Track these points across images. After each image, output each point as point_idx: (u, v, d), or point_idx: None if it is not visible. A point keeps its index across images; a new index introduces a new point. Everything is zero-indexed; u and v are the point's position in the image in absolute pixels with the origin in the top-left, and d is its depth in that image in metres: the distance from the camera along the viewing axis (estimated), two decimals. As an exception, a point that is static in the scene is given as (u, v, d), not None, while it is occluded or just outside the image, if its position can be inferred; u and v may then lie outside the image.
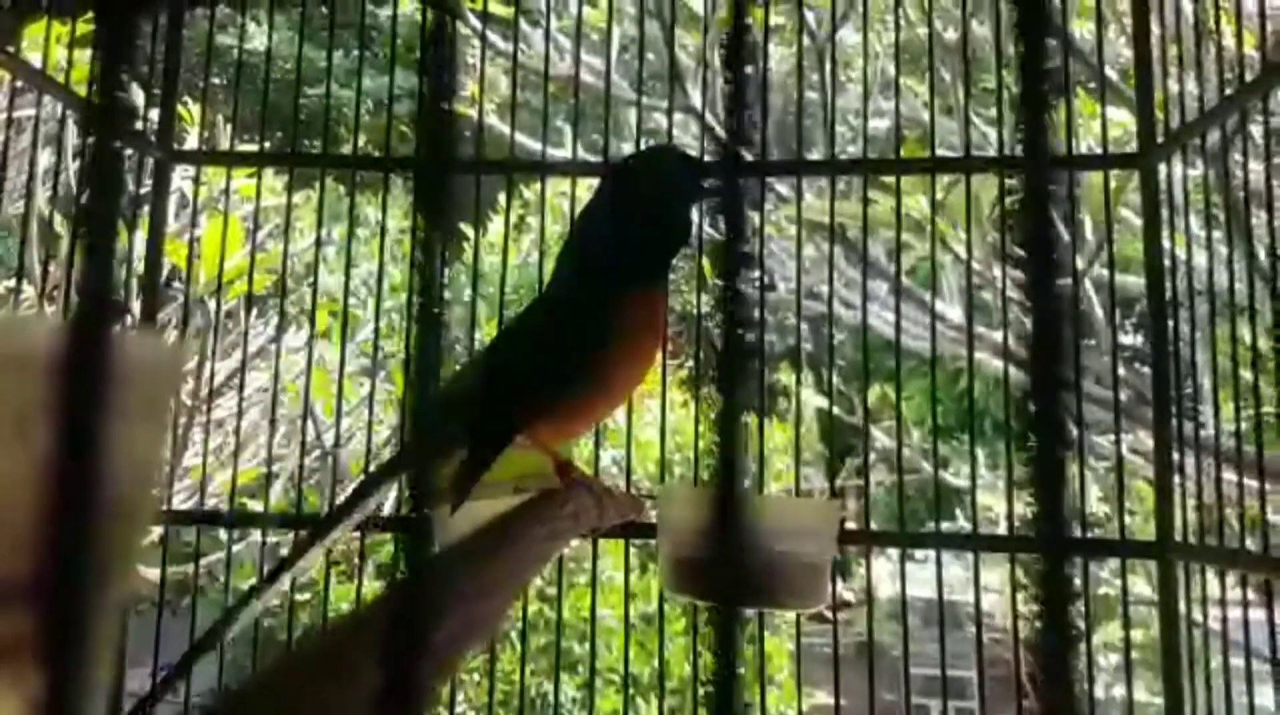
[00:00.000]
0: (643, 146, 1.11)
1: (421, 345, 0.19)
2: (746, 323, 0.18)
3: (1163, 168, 0.95)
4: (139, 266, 1.09)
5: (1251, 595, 0.94)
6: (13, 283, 1.39)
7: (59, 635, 0.18)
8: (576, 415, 0.80)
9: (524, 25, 1.66)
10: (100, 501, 0.18)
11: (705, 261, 1.07)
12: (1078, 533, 0.98)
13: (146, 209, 1.07)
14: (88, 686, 0.21)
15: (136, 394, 0.24)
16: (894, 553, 1.54)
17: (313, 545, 0.75)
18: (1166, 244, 0.95)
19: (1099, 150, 1.03)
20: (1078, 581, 0.18)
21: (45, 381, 0.19)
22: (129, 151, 0.97)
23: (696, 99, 1.97)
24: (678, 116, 1.47)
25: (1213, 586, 0.88)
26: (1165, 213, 0.95)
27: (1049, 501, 0.17)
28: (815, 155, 1.76)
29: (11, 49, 0.95)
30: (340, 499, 0.82)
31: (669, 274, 0.84)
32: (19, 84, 1.01)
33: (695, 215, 0.86)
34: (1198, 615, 0.90)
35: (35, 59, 1.06)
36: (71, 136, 1.17)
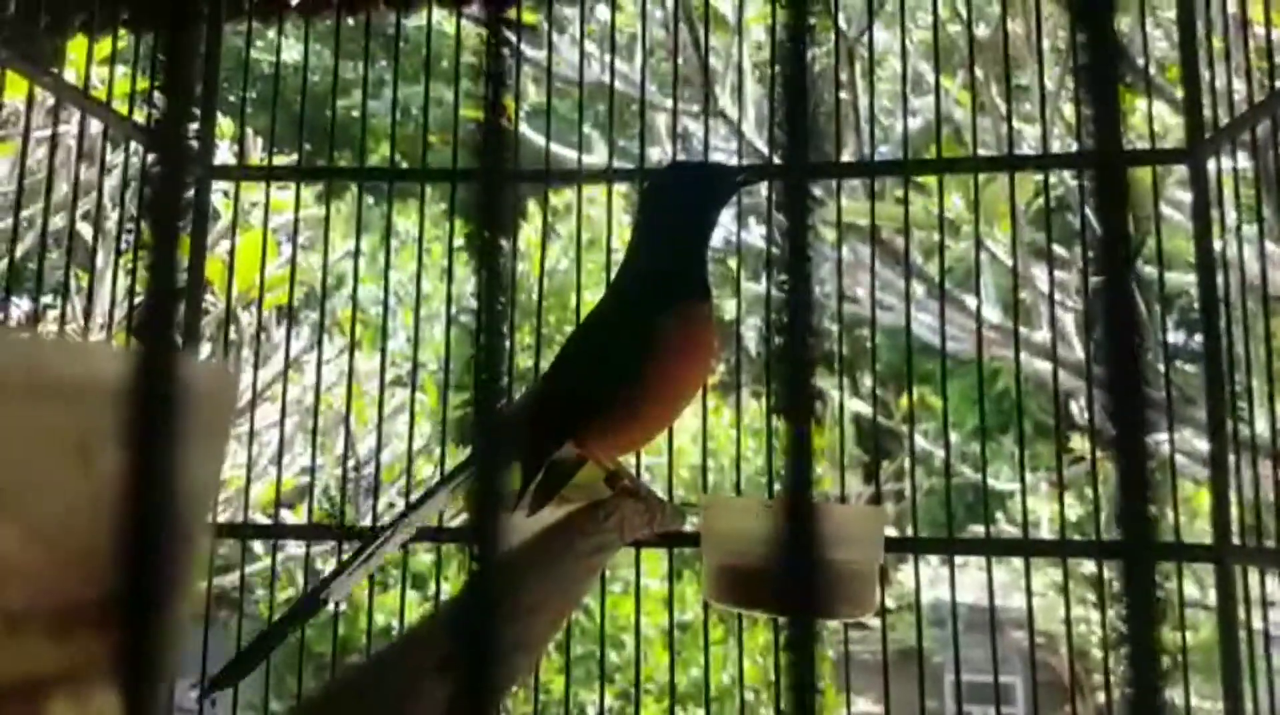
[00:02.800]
0: (675, 152, 1.10)
1: (484, 352, 0.18)
2: (812, 334, 0.18)
3: (1211, 162, 0.93)
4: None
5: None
6: (50, 299, 1.41)
7: (134, 657, 0.18)
8: (625, 428, 0.81)
9: (553, 32, 1.66)
10: (170, 525, 0.18)
11: (740, 265, 1.07)
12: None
13: (184, 225, 1.07)
14: (161, 707, 0.21)
15: (196, 419, 0.23)
16: (934, 558, 1.52)
17: (385, 543, 0.77)
18: (1217, 242, 0.93)
19: (1140, 145, 1.01)
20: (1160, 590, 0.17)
21: (108, 407, 0.18)
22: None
23: (726, 102, 1.96)
24: (710, 120, 1.46)
25: (1269, 590, 0.86)
26: (1215, 212, 0.93)
27: (1134, 507, 0.17)
28: (847, 156, 1.74)
29: (55, 69, 0.95)
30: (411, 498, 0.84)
31: (708, 282, 0.85)
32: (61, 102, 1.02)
33: (724, 216, 0.87)
34: (1256, 618, 0.88)
35: (73, 75, 1.08)
36: (109, 153, 1.18)
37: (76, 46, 1.08)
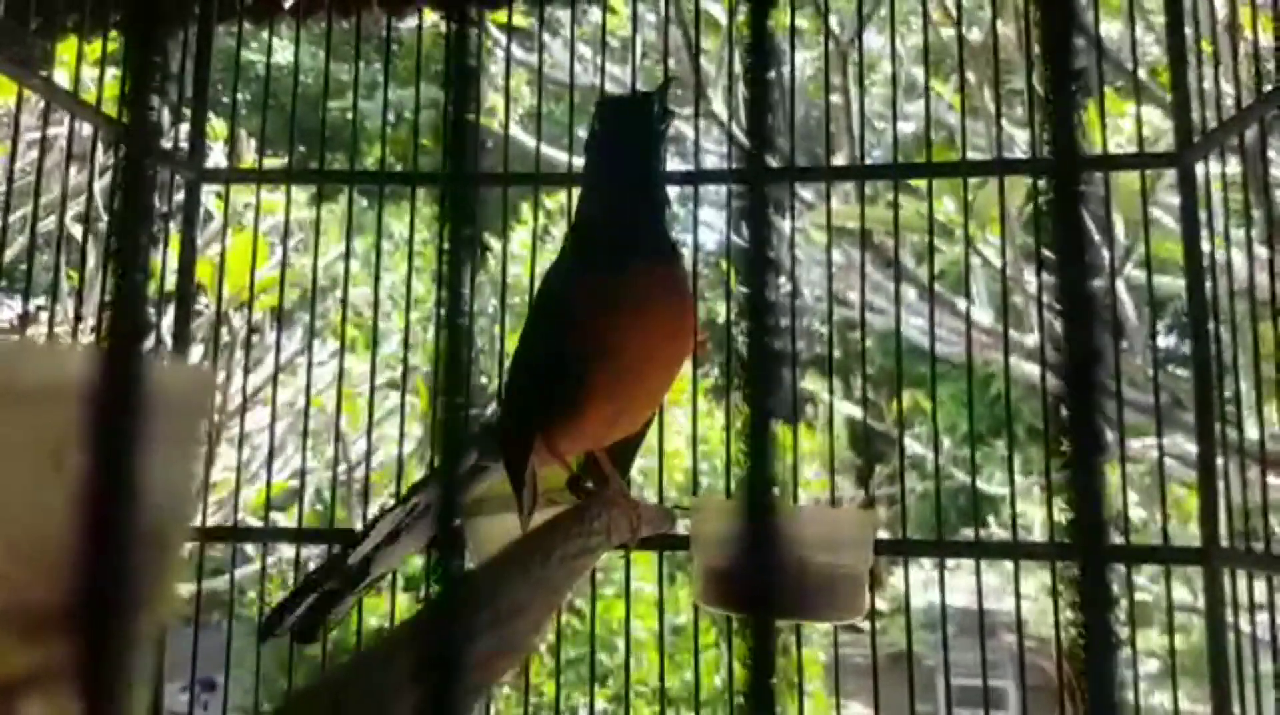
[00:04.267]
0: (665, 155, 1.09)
1: (448, 357, 0.18)
2: (773, 330, 0.18)
3: (1200, 166, 0.94)
4: (169, 284, 1.09)
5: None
6: (44, 301, 1.40)
7: (98, 663, 0.18)
8: (580, 423, 0.73)
9: (545, 35, 1.66)
10: (137, 528, 0.18)
11: (731, 268, 1.07)
12: (1118, 539, 0.96)
13: (175, 227, 1.07)
14: (129, 711, 0.21)
15: (168, 421, 0.23)
16: (927, 561, 1.53)
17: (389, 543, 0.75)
18: (1205, 246, 0.93)
19: (1131, 149, 1.01)
20: (1116, 589, 0.17)
21: (79, 410, 0.18)
22: (160, 173, 0.97)
23: (718, 104, 1.96)
24: (702, 123, 1.46)
25: (1258, 592, 0.86)
26: (1203, 213, 0.93)
27: (1087, 508, 0.17)
28: (839, 160, 1.75)
29: (45, 73, 0.95)
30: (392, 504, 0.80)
31: (668, 237, 0.75)
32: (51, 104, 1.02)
33: (659, 161, 0.76)
34: (1243, 621, 0.88)
35: (64, 76, 1.07)
36: (99, 155, 1.18)
37: (67, 48, 1.08)
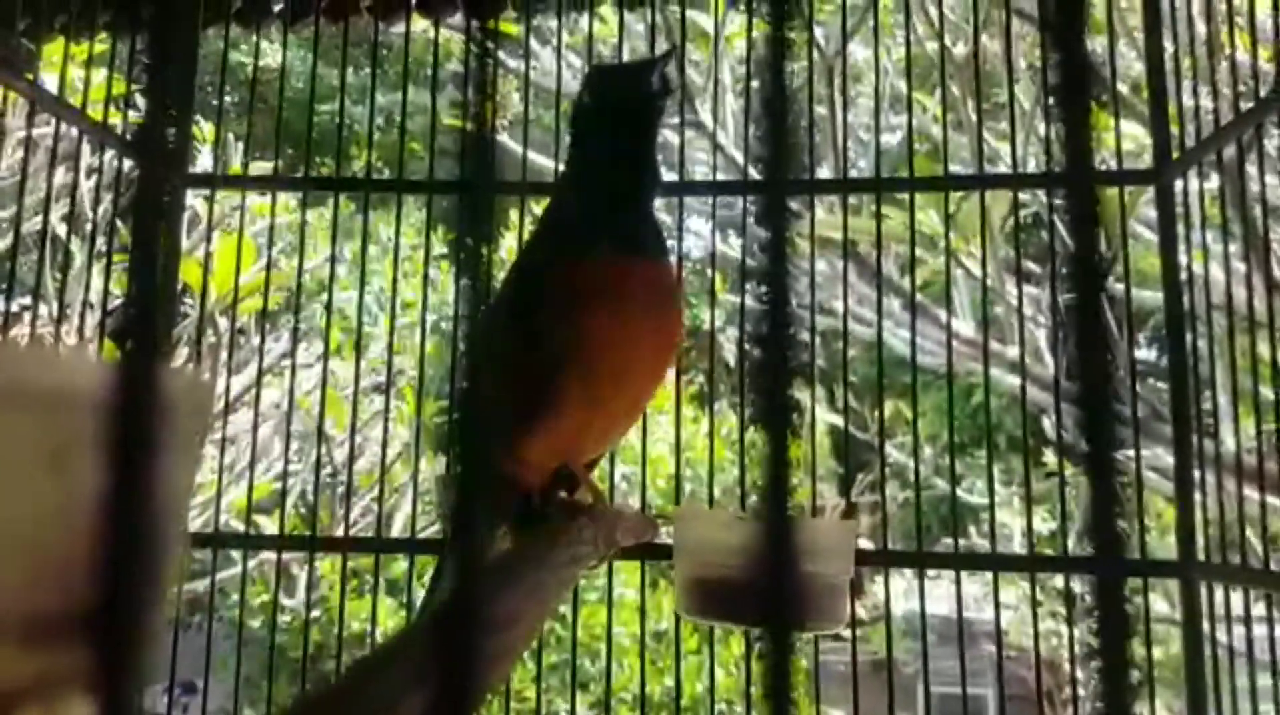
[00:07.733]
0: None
1: (466, 366, 0.18)
2: (790, 346, 0.18)
3: (1179, 183, 0.95)
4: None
5: (1277, 614, 0.93)
6: (28, 301, 1.40)
7: (115, 669, 0.18)
8: (552, 429, 0.68)
9: (533, 43, 1.66)
10: (147, 535, 0.18)
11: (718, 276, 1.07)
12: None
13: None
14: None
15: (172, 427, 0.24)
16: (909, 570, 1.54)
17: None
18: (1183, 259, 0.95)
19: (1112, 165, 1.02)
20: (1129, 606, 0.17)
21: (83, 417, 0.18)
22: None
23: (706, 115, 1.97)
24: (689, 133, 1.47)
25: (1234, 604, 0.87)
26: (1181, 228, 0.94)
27: (1103, 524, 0.17)
28: (824, 171, 1.76)
29: (30, 74, 0.95)
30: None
31: (655, 229, 0.69)
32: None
33: (653, 131, 0.71)
34: (1220, 633, 0.89)
35: (51, 78, 1.07)
36: (85, 156, 1.18)
37: (53, 51, 1.07)
